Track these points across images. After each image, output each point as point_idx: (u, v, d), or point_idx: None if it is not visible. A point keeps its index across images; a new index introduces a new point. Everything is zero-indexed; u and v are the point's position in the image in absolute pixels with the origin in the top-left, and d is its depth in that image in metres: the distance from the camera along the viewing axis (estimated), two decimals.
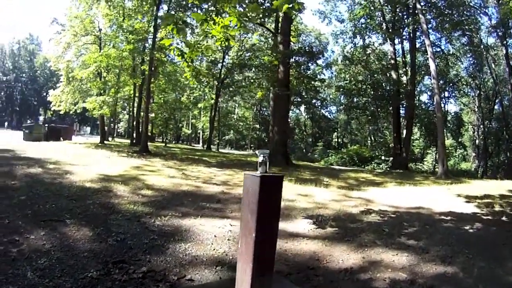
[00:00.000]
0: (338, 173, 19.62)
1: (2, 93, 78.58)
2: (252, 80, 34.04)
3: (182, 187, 9.81)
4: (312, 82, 27.57)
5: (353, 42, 36.19)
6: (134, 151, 22.26)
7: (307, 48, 26.66)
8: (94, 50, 27.29)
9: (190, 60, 8.24)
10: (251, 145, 65.01)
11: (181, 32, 6.66)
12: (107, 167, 12.82)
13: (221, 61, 40.15)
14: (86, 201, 7.37)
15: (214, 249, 5.15)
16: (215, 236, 5.75)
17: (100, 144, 28.62)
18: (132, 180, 10.26)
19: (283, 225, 6.35)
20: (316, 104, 52.09)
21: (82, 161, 14.01)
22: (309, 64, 27.14)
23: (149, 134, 47.87)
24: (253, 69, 32.14)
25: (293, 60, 24.40)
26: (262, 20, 26.51)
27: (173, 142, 60.90)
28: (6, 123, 49.32)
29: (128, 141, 36.76)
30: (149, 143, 35.41)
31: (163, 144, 43.10)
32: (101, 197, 7.84)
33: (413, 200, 10.05)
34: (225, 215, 7.09)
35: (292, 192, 9.96)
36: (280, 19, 23.67)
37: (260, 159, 3.44)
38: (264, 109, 60.35)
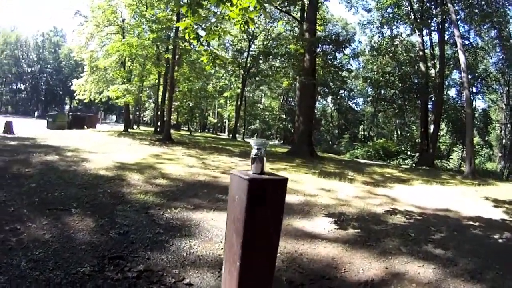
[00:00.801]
0: (363, 167, 18.90)
1: (28, 84, 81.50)
2: (278, 69, 33.56)
3: (199, 177, 9.41)
4: (339, 72, 26.78)
5: (381, 32, 34.81)
6: (157, 139, 22.26)
7: (333, 36, 25.78)
8: (117, 39, 27.22)
9: (207, 44, 7.80)
10: (277, 135, 64.70)
11: (196, 15, 6.29)
12: (125, 155, 12.62)
13: (247, 50, 39.84)
14: (96, 189, 7.13)
15: (222, 249, 4.65)
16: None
17: (123, 132, 28.84)
18: (148, 169, 9.96)
19: (301, 224, 5.95)
20: (343, 95, 51.15)
21: (102, 149, 13.93)
22: (336, 54, 26.27)
23: (175, 122, 48.40)
24: (279, 58, 31.56)
25: (319, 49, 23.78)
26: (287, 8, 26.02)
27: (199, 131, 61.13)
28: (36, 113, 50.18)
29: (153, 129, 36.81)
30: (174, 132, 35.84)
31: (188, 133, 43.12)
32: (112, 186, 7.56)
33: (440, 201, 9.40)
34: None
35: (314, 186, 9.47)
36: (306, 7, 23.04)
37: (254, 152, 2.58)
38: (291, 99, 59.36)
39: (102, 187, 7.35)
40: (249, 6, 6.32)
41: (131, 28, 27.50)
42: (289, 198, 7.34)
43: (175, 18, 23.89)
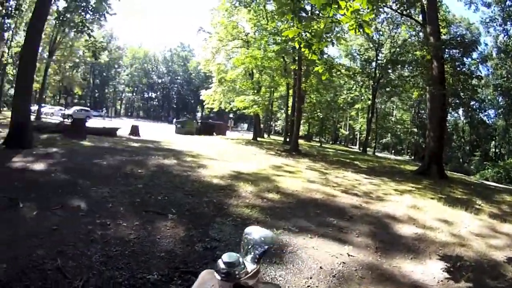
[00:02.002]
0: (493, 193, 15.43)
1: (159, 93, 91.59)
2: (407, 79, 31.68)
3: (316, 195, 8.80)
4: (469, 80, 24.12)
5: (505, 30, 30.86)
6: (284, 150, 22.42)
7: (458, 39, 23.39)
8: (243, 53, 28.23)
9: (319, 52, 7.35)
10: (408, 151, 60.79)
11: (304, 21, 5.94)
12: (246, 164, 12.73)
13: (374, 59, 38.43)
14: (202, 198, 7.14)
15: (308, 287, 3.99)
16: (320, 267, 4.44)
17: (251, 141, 29.84)
18: (264, 181, 9.75)
19: (410, 267, 4.84)
20: (474, 106, 45.90)
21: (224, 156, 14.35)
22: (464, 59, 23.71)
23: (306, 133, 48.49)
24: (407, 66, 30.00)
25: (446, 55, 21.70)
26: (407, 11, 24.40)
27: (330, 142, 60.40)
28: (174, 119, 54.75)
29: (283, 139, 37.29)
30: (304, 143, 36.13)
31: (319, 144, 42.81)
32: (220, 196, 7.49)
33: None
34: (348, 239, 5.66)
35: (437, 215, 8.07)
36: (426, 8, 21.26)
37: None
38: (422, 111, 55.06)
39: (209, 196, 7.34)
40: (359, 8, 5.79)
41: (255, 41, 28.22)
42: (406, 230, 6.48)
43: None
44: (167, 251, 4.41)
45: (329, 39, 6.85)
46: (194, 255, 4.42)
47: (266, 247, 1.32)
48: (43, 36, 28.63)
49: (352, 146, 58.28)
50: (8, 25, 30.44)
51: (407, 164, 25.29)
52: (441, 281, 4.70)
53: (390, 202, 8.94)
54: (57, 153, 10.82)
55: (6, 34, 31.44)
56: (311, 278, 4.16)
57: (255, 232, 1.38)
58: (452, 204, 9.75)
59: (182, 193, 7.30)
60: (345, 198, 8.81)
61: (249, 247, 1.33)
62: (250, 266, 1.24)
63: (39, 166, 8.75)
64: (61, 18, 18.45)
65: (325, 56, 22.95)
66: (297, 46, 6.93)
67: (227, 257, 1.19)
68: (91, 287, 3.39)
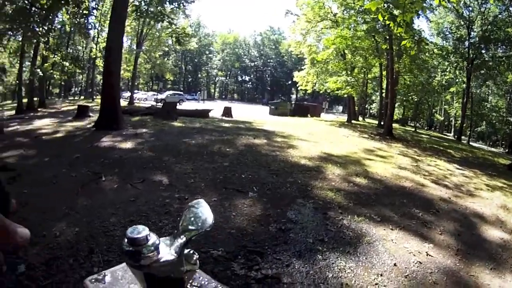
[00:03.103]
0: None
1: (252, 76, 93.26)
2: (500, 60, 28.61)
3: (404, 183, 8.08)
4: None
5: None
6: (377, 133, 21.42)
7: None
8: (333, 33, 27.38)
9: (405, 25, 6.57)
10: (502, 142, 54.19)
11: None
12: (337, 146, 12.27)
13: (466, 37, 35.01)
14: (287, 178, 6.92)
15: (376, 284, 3.52)
16: (394, 264, 3.97)
17: (346, 123, 28.88)
18: (353, 164, 9.26)
19: (487, 279, 4.02)
20: None
21: (315, 138, 13.95)
22: None
23: (400, 117, 46.01)
24: (499, 45, 26.87)
25: None
26: None
27: (425, 128, 56.63)
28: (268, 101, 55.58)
29: (377, 122, 35.87)
30: (398, 127, 34.69)
31: (413, 129, 40.44)
32: (306, 177, 7.18)
33: None
34: (429, 236, 5.01)
35: None
36: None
37: None
38: None
39: (294, 176, 7.07)
40: None
41: (343, 21, 27.02)
42: (492, 233, 5.55)
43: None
44: (238, 228, 4.27)
45: (413, 10, 6.08)
46: (266, 235, 4.20)
47: (197, 230, 0.92)
48: (129, 29, 31.42)
49: (447, 134, 53.60)
50: (93, 24, 34.17)
51: (500, 157, 22.45)
52: None
53: (480, 198, 7.73)
54: (146, 133, 11.41)
55: (92, 32, 34.91)
56: (381, 275, 3.70)
57: (204, 207, 0.99)
58: None
59: (267, 172, 7.13)
60: (434, 189, 7.89)
61: (186, 224, 0.94)
62: (167, 252, 0.83)
63: (127, 145, 9.27)
64: (138, 11, 19.41)
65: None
66: (381, 19, 6.27)
67: (131, 230, 0.82)
68: None
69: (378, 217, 5.36)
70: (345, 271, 3.64)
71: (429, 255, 4.33)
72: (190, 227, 0.89)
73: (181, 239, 0.84)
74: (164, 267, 0.79)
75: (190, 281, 0.85)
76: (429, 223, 5.53)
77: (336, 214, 5.21)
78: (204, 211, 0.95)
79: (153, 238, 0.80)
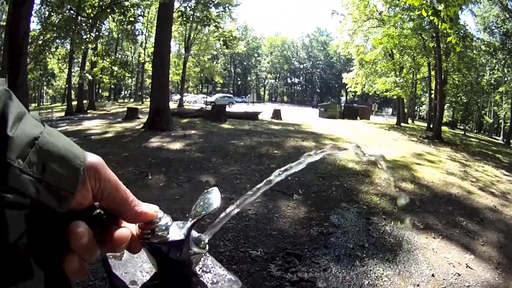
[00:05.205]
0: None
1: (301, 78, 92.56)
2: None
3: (451, 189, 7.83)
4: None
5: None
6: (426, 137, 20.84)
7: None
8: (379, 32, 26.82)
9: (449, 20, 6.33)
10: None
11: None
12: (385, 149, 12.08)
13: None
14: (333, 181, 6.93)
15: None
16: (432, 275, 3.91)
17: (395, 126, 28.13)
18: (402, 169, 9.09)
19: None
20: None
21: (364, 140, 13.80)
22: None
23: (450, 119, 44.06)
24: None
25: None
26: None
27: (475, 131, 53.93)
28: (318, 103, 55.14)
29: (426, 125, 34.72)
30: (448, 130, 33.18)
31: (462, 132, 38.70)
32: (352, 181, 7.18)
33: None
34: (471, 247, 4.87)
35: None
36: None
37: None
38: None
39: (340, 180, 7.08)
40: None
41: (389, 19, 26.34)
42: None
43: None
44: (280, 230, 4.35)
45: (455, 3, 5.86)
46: (306, 238, 4.26)
47: (203, 213, 0.95)
48: (176, 34, 32.48)
49: (496, 137, 50.51)
50: (140, 30, 35.95)
51: None
52: None
53: None
54: (194, 135, 11.70)
55: (139, 38, 36.60)
56: (418, 286, 3.67)
57: (215, 194, 1.04)
58: None
59: (314, 175, 7.14)
60: (480, 197, 7.59)
61: (195, 208, 0.99)
62: (177, 233, 0.87)
63: (175, 145, 9.58)
64: (184, 16, 19.97)
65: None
66: (425, 15, 6.12)
67: None
68: None
69: (421, 225, 5.28)
70: (381, 279, 3.64)
71: (469, 267, 4.23)
72: (198, 210, 0.97)
73: (190, 222, 0.93)
74: (172, 247, 0.89)
75: (199, 265, 0.94)
76: (472, 232, 5.37)
77: (380, 220, 5.19)
78: (213, 197, 1.03)
79: (166, 219, 0.89)
